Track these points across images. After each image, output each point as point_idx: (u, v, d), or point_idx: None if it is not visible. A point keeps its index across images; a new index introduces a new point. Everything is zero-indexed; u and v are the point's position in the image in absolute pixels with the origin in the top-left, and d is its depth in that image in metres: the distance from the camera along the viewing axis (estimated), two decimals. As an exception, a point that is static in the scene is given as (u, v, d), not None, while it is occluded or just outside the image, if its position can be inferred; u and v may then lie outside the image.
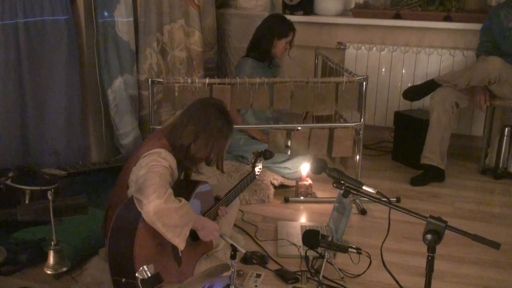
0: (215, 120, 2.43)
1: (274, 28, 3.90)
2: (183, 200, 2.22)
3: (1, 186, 2.94)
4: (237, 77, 3.33)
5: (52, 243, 2.29)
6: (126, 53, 3.73)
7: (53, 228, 2.27)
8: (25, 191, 2.93)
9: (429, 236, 1.85)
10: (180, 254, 2.34)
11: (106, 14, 3.60)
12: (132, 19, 3.74)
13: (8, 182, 2.95)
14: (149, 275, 1.80)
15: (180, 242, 2.20)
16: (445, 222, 1.87)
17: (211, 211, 2.57)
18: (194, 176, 2.70)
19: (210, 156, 2.47)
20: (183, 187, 2.46)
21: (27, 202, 2.92)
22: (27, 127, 3.38)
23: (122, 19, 3.66)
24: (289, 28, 3.93)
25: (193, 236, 2.39)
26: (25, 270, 2.63)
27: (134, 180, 2.33)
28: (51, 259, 2.31)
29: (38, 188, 2.94)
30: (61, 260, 2.35)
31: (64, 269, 2.34)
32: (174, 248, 2.29)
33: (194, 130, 2.40)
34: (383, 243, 2.40)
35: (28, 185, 2.94)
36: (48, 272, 2.31)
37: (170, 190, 2.19)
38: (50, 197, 2.24)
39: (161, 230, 2.15)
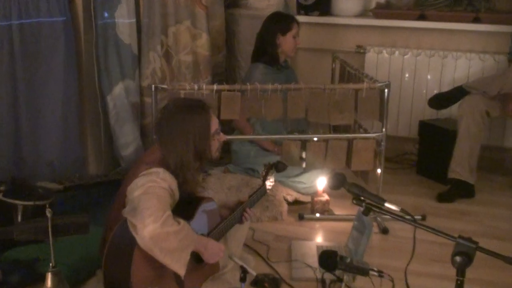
0: (188, 121, 2.40)
1: (275, 25, 3.93)
2: (182, 222, 2.21)
3: (-9, 201, 2.96)
4: (247, 83, 3.33)
5: (50, 264, 2.29)
6: (128, 57, 3.75)
7: (51, 249, 2.27)
8: (17, 206, 2.94)
9: (458, 258, 1.83)
10: (183, 277, 2.34)
11: (106, 15, 3.63)
12: (134, 20, 3.76)
13: (-1, 196, 2.96)
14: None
15: (179, 268, 2.20)
16: (476, 242, 1.86)
17: (232, 216, 2.61)
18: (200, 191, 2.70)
19: (201, 157, 2.45)
20: (186, 204, 2.45)
21: (19, 217, 2.93)
22: (20, 136, 3.40)
23: (123, 21, 3.68)
24: (291, 20, 3.97)
25: (197, 258, 2.39)
26: (16, 292, 2.63)
27: (130, 199, 2.32)
28: (49, 282, 2.31)
29: (31, 203, 2.94)
30: (59, 283, 2.35)
31: (63, 292, 2.34)
32: (176, 271, 2.28)
33: (171, 142, 2.38)
34: (407, 265, 2.38)
35: (21, 200, 2.95)
36: (47, 295, 2.31)
37: (168, 212, 2.17)
38: (49, 215, 2.25)
39: (159, 256, 2.15)
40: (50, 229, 2.26)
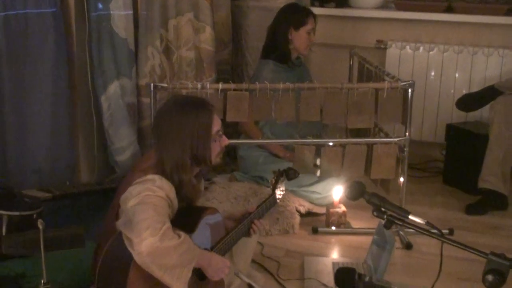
0: (187, 118, 2.39)
1: (288, 18, 3.93)
2: (183, 235, 2.21)
3: (-28, 211, 2.96)
4: (256, 82, 3.34)
5: (42, 281, 2.30)
6: (124, 53, 3.76)
7: (43, 264, 2.27)
8: (2, 217, 2.94)
9: (490, 277, 1.83)
10: (184, 296, 2.34)
11: (100, 6, 3.64)
12: (131, 12, 3.77)
13: (-19, 205, 2.97)
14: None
15: (180, 286, 2.19)
16: (510, 260, 1.85)
17: (238, 228, 2.59)
18: (203, 202, 2.70)
19: (200, 161, 2.45)
20: (187, 215, 2.45)
21: (4, 229, 2.94)
22: (4, 139, 3.41)
23: (119, 12, 3.69)
24: (306, 13, 3.96)
25: (200, 274, 2.39)
26: (-1, 312, 2.64)
27: (124, 210, 2.32)
28: (40, 301, 2.31)
29: (17, 213, 2.95)
30: (51, 302, 2.35)
31: (56, 312, 2.35)
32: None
33: (167, 141, 2.38)
34: (433, 284, 2.38)
35: (5, 210, 2.95)
36: (38, 315, 2.32)
37: (168, 224, 2.17)
38: (40, 227, 2.25)
39: (157, 274, 2.14)
40: (42, 243, 2.26)
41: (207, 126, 2.42)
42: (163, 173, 2.35)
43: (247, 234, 2.73)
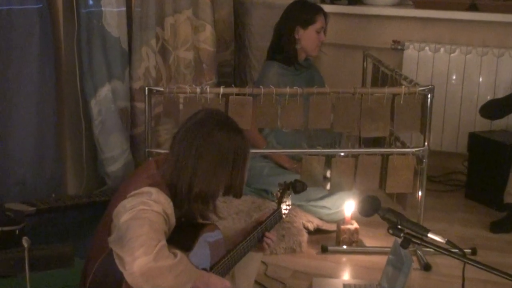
0: (232, 142, 2.39)
1: (295, 16, 3.93)
2: (179, 254, 2.20)
3: (-51, 226, 2.97)
4: (260, 86, 3.34)
5: (28, 304, 2.30)
6: (116, 53, 3.77)
7: (28, 285, 2.27)
8: (-19, 233, 2.95)
9: (517, 302, 1.83)
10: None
11: (91, 2, 3.65)
12: (124, 9, 3.78)
13: (-41, 220, 2.97)
14: None
15: None
16: (539, 283, 1.85)
17: (241, 246, 2.58)
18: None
19: (230, 189, 2.46)
20: (183, 232, 2.44)
21: (-17, 246, 2.94)
22: (-16, 148, 3.42)
23: (111, 9, 3.70)
24: (315, 11, 3.96)
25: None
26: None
27: (116, 225, 2.31)
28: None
29: (-2, 228, 2.96)
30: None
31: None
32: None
33: (192, 161, 2.35)
34: (454, 309, 2.37)
35: (-15, 225, 2.96)
36: None
37: (163, 242, 2.16)
38: (25, 245, 2.24)
39: None
40: (27, 262, 2.25)
41: (247, 154, 2.44)
42: (162, 188, 2.33)
43: (261, 247, 2.72)
